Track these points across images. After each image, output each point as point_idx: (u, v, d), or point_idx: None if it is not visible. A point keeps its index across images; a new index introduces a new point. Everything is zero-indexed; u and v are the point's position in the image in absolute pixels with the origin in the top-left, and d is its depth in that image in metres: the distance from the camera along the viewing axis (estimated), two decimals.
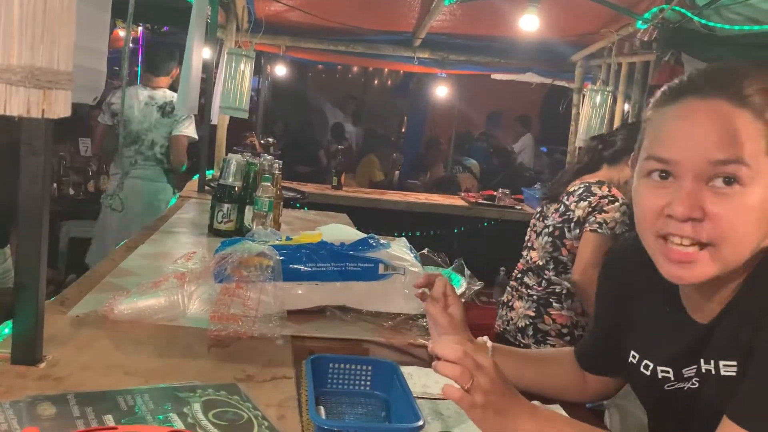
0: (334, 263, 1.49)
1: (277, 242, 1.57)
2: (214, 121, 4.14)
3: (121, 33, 5.32)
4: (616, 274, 1.14)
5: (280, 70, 7.01)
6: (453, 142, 8.65)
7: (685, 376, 0.96)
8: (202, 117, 3.71)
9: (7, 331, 1.14)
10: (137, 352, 1.19)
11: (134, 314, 1.33)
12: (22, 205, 1.00)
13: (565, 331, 2.35)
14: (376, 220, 3.94)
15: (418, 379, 1.21)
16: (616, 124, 4.00)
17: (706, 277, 0.86)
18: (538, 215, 2.55)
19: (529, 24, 3.35)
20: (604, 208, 2.24)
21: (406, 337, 1.45)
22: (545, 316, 2.37)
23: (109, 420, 0.88)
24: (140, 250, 1.96)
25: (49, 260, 1.05)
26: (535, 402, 1.06)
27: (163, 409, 0.92)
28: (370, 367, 1.12)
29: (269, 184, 2.16)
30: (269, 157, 2.44)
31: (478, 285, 1.61)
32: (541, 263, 2.41)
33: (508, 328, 2.47)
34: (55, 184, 4.46)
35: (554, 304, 2.36)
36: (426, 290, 1.21)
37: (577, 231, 2.29)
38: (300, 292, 1.46)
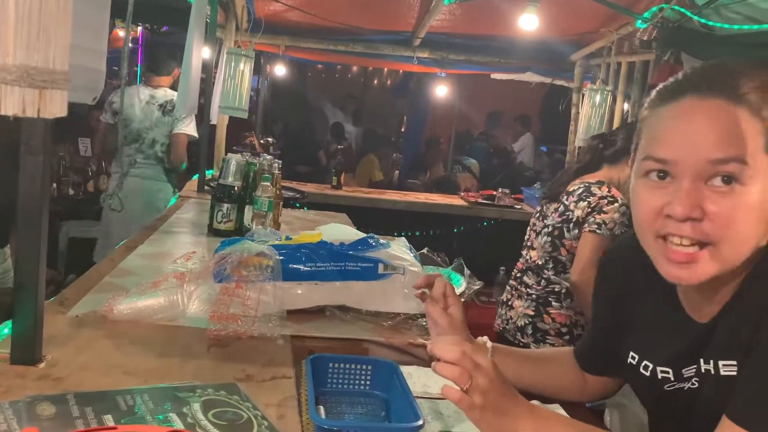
0: (334, 263, 1.49)
1: (277, 242, 1.57)
2: (214, 121, 4.14)
3: (121, 33, 5.32)
4: (613, 275, 1.13)
5: (280, 70, 7.02)
6: (453, 141, 8.66)
7: (685, 376, 0.95)
8: (202, 117, 3.71)
9: (6, 331, 1.14)
10: (137, 352, 1.19)
11: (134, 314, 1.33)
12: (22, 205, 1.00)
13: (564, 330, 2.35)
14: (376, 220, 3.94)
15: (418, 379, 1.21)
16: (616, 123, 4.01)
17: (706, 277, 0.85)
18: (538, 214, 2.55)
19: (528, 23, 3.35)
20: (604, 209, 2.24)
21: (405, 336, 1.45)
22: (544, 315, 2.37)
23: (109, 420, 0.88)
24: (140, 250, 1.96)
25: (48, 260, 1.05)
26: (535, 402, 1.06)
27: (163, 408, 0.92)
28: (369, 367, 1.12)
29: (269, 183, 2.16)
30: (269, 157, 2.44)
31: (477, 284, 1.61)
32: (540, 263, 2.41)
33: (507, 327, 2.47)
34: (54, 184, 4.46)
35: (553, 303, 2.36)
36: (426, 291, 1.21)
37: (576, 231, 2.29)
38: (299, 291, 1.46)
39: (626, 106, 4.01)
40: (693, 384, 0.95)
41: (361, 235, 1.62)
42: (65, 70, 0.80)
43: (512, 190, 4.91)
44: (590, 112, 3.88)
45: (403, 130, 10.08)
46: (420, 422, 0.90)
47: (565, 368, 1.22)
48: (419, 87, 8.87)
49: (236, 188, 2.26)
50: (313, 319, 1.47)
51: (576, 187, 2.36)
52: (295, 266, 1.46)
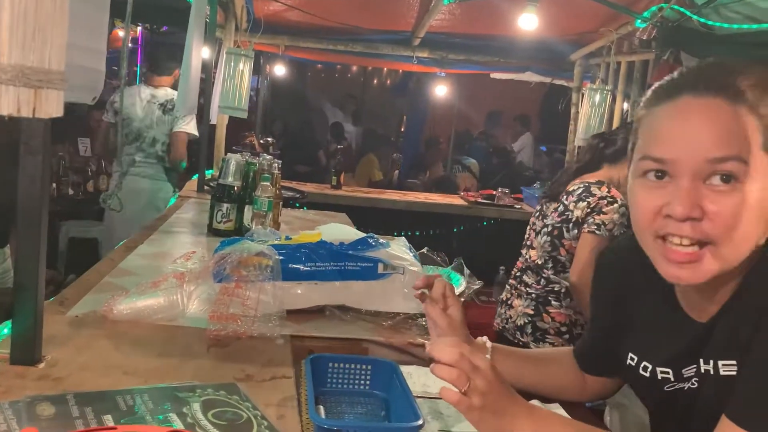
0: (334, 263, 1.49)
1: (277, 242, 1.57)
2: (213, 121, 4.14)
3: (120, 33, 5.32)
4: (611, 275, 1.13)
5: (279, 70, 7.02)
6: (452, 141, 8.65)
7: (685, 376, 0.95)
8: (201, 116, 3.71)
9: (6, 331, 1.14)
10: (136, 352, 1.19)
11: (133, 314, 1.33)
12: (21, 205, 1.00)
13: (563, 329, 2.35)
14: (376, 220, 3.94)
15: (418, 379, 1.21)
16: (616, 123, 4.01)
17: (706, 277, 0.85)
18: (538, 214, 2.55)
19: (528, 23, 3.35)
20: (603, 210, 2.23)
21: (405, 336, 1.45)
22: (544, 315, 2.37)
23: (109, 420, 0.88)
24: (139, 250, 1.96)
25: (48, 260, 1.05)
26: (535, 401, 1.06)
27: (163, 408, 0.92)
28: (369, 367, 1.12)
29: (268, 183, 2.16)
30: (268, 157, 2.44)
31: (477, 284, 1.61)
32: (540, 262, 2.41)
33: (507, 326, 2.48)
34: (54, 184, 4.47)
35: (553, 302, 2.37)
36: (425, 291, 1.21)
37: (576, 231, 2.29)
38: (299, 291, 1.46)
39: (626, 105, 4.01)
40: (693, 384, 0.94)
41: (361, 234, 1.62)
42: (61, 70, 0.80)
43: (512, 190, 4.92)
44: (590, 112, 3.88)
45: (402, 129, 10.08)
46: (420, 422, 0.90)
47: (564, 368, 1.22)
48: (419, 87, 8.87)
49: (236, 188, 2.26)
50: (313, 319, 1.47)
51: (576, 187, 2.36)
52: (294, 266, 1.46)
